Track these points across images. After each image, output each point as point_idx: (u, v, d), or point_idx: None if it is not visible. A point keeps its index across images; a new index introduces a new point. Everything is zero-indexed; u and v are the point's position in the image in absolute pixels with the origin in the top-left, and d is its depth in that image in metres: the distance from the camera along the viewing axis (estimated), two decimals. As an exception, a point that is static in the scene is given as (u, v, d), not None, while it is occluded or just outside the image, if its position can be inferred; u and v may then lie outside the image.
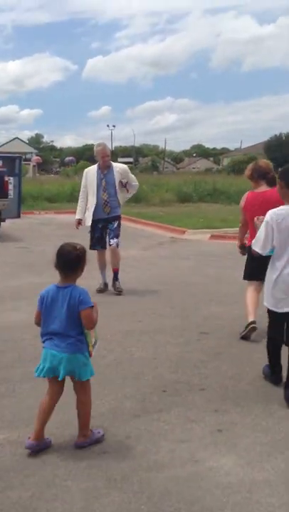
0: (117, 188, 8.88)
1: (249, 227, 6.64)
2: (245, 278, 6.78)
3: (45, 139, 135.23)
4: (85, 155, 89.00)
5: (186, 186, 30.86)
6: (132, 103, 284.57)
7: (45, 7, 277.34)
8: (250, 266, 6.55)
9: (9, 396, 4.73)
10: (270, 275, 4.92)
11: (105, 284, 8.91)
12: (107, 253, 8.98)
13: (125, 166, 9.37)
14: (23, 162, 23.63)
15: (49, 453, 3.76)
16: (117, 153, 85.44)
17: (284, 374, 5.01)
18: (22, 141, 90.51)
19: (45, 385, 4.89)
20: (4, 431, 4.08)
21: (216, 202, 28.17)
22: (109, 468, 3.56)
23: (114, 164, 9.14)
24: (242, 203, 6.78)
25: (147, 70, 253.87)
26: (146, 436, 4.03)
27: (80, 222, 9.11)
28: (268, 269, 4.98)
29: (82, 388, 3.89)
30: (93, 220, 8.89)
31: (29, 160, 54.55)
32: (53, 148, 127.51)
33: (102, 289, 8.75)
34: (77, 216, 9.15)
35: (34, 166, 51.14)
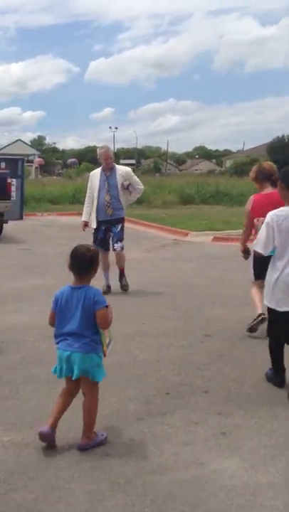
0: (119, 190, 8.94)
1: (254, 230, 6.65)
2: (255, 278, 6.79)
3: (48, 140, 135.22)
4: (87, 157, 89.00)
5: (188, 188, 30.91)
6: (135, 105, 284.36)
7: (48, 9, 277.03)
8: (258, 266, 6.55)
9: (13, 398, 4.73)
10: (271, 275, 5.00)
11: (108, 287, 8.94)
12: (113, 256, 9.04)
13: (128, 169, 9.43)
14: (25, 164, 23.62)
15: (52, 455, 3.76)
16: (119, 155, 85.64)
17: (288, 376, 5.03)
18: (24, 142, 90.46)
19: (48, 387, 4.92)
20: (8, 433, 4.07)
21: (219, 204, 28.22)
22: (113, 470, 3.56)
23: (118, 167, 9.23)
24: (248, 206, 6.78)
25: (150, 72, 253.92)
26: (149, 438, 4.03)
27: (86, 224, 9.27)
28: (269, 269, 5.07)
29: (90, 390, 3.91)
30: (98, 221, 9.01)
31: (31, 162, 54.48)
32: (55, 150, 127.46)
33: (106, 291, 8.76)
34: (83, 218, 9.32)
35: (36, 167, 51.06)
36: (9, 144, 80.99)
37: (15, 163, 18.79)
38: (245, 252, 6.93)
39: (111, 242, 9.01)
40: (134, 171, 9.88)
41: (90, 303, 3.80)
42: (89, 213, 9.22)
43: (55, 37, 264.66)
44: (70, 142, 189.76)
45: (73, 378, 3.84)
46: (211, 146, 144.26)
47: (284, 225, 4.85)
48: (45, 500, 3.24)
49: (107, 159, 9.00)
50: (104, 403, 4.16)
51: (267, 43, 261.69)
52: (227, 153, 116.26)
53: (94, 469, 3.57)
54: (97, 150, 9.36)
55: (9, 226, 16.50)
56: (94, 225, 9.11)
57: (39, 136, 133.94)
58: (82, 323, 3.80)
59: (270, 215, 4.95)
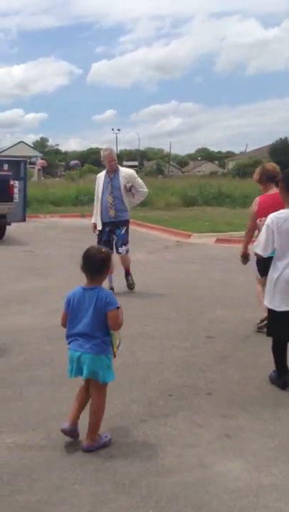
0: (122, 191, 8.99)
1: (257, 231, 6.67)
2: (261, 275, 6.81)
3: (50, 142, 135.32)
4: (89, 158, 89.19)
5: (191, 190, 30.89)
6: (137, 107, 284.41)
7: (49, 11, 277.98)
8: (262, 264, 6.57)
9: (16, 400, 4.74)
10: (272, 275, 5.09)
11: (111, 288, 8.93)
12: (117, 258, 9.05)
13: (132, 171, 9.53)
14: (28, 166, 23.67)
15: (56, 457, 3.77)
16: (121, 157, 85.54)
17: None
18: (27, 144, 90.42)
19: (51, 389, 4.93)
20: (12, 435, 4.08)
21: (222, 205, 28.20)
22: (117, 472, 3.56)
23: (121, 169, 9.32)
24: (254, 208, 6.81)
25: (152, 74, 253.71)
26: (153, 440, 4.03)
27: (95, 226, 9.35)
28: (270, 269, 5.14)
29: (98, 392, 3.94)
30: (102, 223, 9.12)
31: (34, 163, 54.51)
32: (57, 152, 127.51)
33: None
34: (93, 220, 9.45)
35: (39, 169, 51.11)
36: (12, 146, 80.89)
37: (17, 165, 18.82)
38: (244, 257, 6.96)
39: (115, 245, 9.04)
40: (136, 172, 9.92)
41: (102, 304, 3.83)
42: (97, 215, 9.33)
43: (57, 39, 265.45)
44: (72, 144, 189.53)
45: (82, 378, 3.88)
46: (214, 148, 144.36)
47: (284, 227, 4.95)
48: (49, 501, 3.24)
49: (111, 161, 9.12)
50: (108, 405, 4.16)
51: (269, 45, 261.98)
52: (230, 154, 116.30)
53: (98, 471, 3.58)
54: (101, 152, 9.48)
55: (12, 228, 16.52)
56: (99, 227, 9.22)
57: (41, 138, 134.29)
58: (93, 324, 3.83)
59: (271, 217, 5.04)
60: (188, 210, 26.30)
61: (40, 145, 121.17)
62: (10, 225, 16.21)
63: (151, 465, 3.66)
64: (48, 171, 75.64)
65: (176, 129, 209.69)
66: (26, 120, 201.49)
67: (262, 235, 5.10)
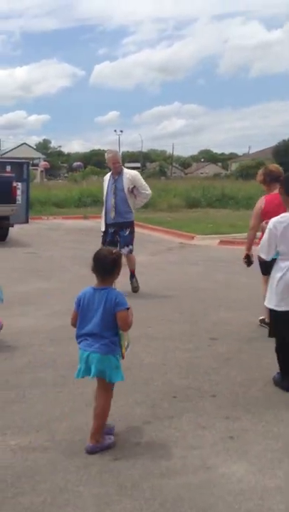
0: (126, 193, 9.08)
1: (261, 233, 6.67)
2: (264, 274, 6.83)
3: (53, 144, 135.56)
4: (92, 160, 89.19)
5: (194, 191, 30.88)
6: (140, 108, 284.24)
7: (52, 14, 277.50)
8: (264, 264, 6.58)
9: (19, 402, 4.73)
10: (275, 274, 5.12)
11: (115, 290, 8.99)
12: (123, 259, 9.08)
13: (136, 173, 9.63)
14: (30, 167, 23.65)
15: (60, 459, 3.76)
16: (124, 159, 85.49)
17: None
18: (30, 146, 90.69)
19: (55, 391, 4.93)
20: (15, 437, 4.07)
21: (225, 207, 28.18)
22: (121, 474, 3.55)
23: (126, 170, 9.41)
24: (260, 205, 6.84)
25: (155, 76, 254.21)
26: (157, 442, 4.02)
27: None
28: (273, 269, 5.18)
29: (105, 392, 3.96)
30: (106, 224, 9.24)
31: (37, 165, 54.53)
32: (60, 154, 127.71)
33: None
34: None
35: (42, 171, 51.05)
36: (14, 148, 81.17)
37: (20, 167, 18.81)
38: (248, 259, 6.95)
39: (119, 246, 9.06)
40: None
41: (111, 304, 3.86)
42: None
43: (60, 41, 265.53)
44: (75, 146, 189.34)
45: (90, 377, 3.91)
46: (217, 150, 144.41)
47: (286, 230, 4.99)
48: (53, 503, 3.23)
49: (115, 163, 9.24)
50: (111, 407, 4.15)
51: (271, 47, 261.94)
52: (233, 156, 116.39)
53: (102, 473, 3.57)
54: (105, 155, 9.59)
55: (15, 229, 16.52)
56: (102, 228, 9.34)
57: (44, 140, 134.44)
58: (102, 324, 3.86)
59: (273, 221, 5.10)
60: (192, 211, 26.29)
61: (43, 147, 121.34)
62: (13, 226, 16.20)
63: (155, 467, 3.65)
64: (50, 172, 75.62)
65: (179, 130, 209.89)
66: (29, 122, 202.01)
67: (265, 239, 5.16)
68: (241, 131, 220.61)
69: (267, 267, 5.73)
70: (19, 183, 17.31)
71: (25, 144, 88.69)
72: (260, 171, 7.15)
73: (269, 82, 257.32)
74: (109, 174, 9.49)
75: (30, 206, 20.22)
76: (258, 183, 7.44)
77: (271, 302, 5.12)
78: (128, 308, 3.90)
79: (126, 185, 9.11)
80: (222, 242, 15.97)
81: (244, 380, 5.30)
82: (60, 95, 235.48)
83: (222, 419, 4.41)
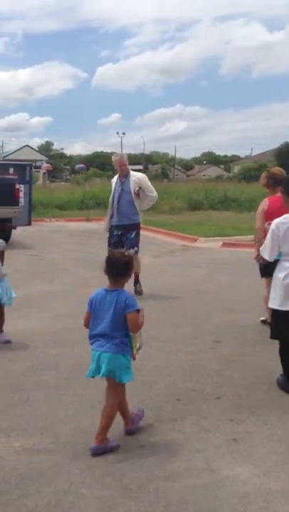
0: (133, 196, 9.19)
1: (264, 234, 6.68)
2: (262, 276, 6.85)
3: (55, 146, 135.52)
4: (95, 162, 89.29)
5: (196, 194, 30.87)
6: (142, 110, 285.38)
7: (55, 15, 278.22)
8: (265, 264, 6.58)
9: (23, 404, 4.73)
10: (278, 274, 5.14)
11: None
12: None
13: (143, 175, 9.81)
14: (33, 169, 23.67)
15: (64, 461, 3.76)
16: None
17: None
18: (32, 148, 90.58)
19: (58, 393, 4.92)
20: (19, 438, 4.08)
21: (227, 209, 28.16)
22: (125, 477, 3.55)
23: (132, 173, 9.53)
24: (264, 207, 6.85)
25: (157, 78, 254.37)
26: (161, 445, 4.02)
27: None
28: (276, 269, 5.20)
29: (114, 392, 3.99)
30: (112, 226, 9.37)
31: (39, 167, 54.50)
32: (62, 156, 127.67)
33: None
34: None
35: (44, 173, 51.04)
36: (17, 150, 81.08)
37: (23, 169, 18.83)
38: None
39: (125, 248, 9.10)
40: (143, 176, 9.98)
41: (122, 306, 3.92)
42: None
43: (62, 43, 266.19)
44: (77, 148, 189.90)
45: (100, 376, 3.94)
46: (219, 152, 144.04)
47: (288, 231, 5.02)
48: (57, 505, 3.23)
49: (122, 166, 9.36)
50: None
51: (273, 48, 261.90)
52: (235, 158, 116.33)
53: (106, 475, 3.57)
54: (112, 158, 9.74)
55: (17, 232, 16.54)
56: (104, 228, 9.55)
57: (47, 142, 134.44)
58: (112, 325, 3.91)
59: (275, 222, 5.13)
60: (194, 214, 26.29)
61: (46, 149, 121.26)
62: (15, 228, 16.21)
63: (159, 469, 3.65)
64: (53, 174, 75.66)
65: (181, 132, 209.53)
66: (31, 124, 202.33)
67: (267, 240, 5.19)
68: (243, 133, 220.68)
69: (266, 270, 5.75)
70: (22, 185, 17.32)
71: (27, 146, 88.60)
72: (264, 175, 7.16)
73: (271, 83, 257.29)
74: (116, 177, 9.60)
75: (32, 208, 20.25)
76: (261, 186, 7.45)
77: (275, 302, 5.12)
78: (138, 310, 3.95)
79: (132, 187, 9.21)
80: (225, 245, 15.95)
81: (248, 383, 5.29)
82: (63, 97, 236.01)
83: (226, 422, 4.41)
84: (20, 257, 13.64)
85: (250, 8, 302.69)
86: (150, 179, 10.00)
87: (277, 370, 5.24)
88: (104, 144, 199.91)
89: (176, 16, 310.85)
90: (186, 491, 3.39)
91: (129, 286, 8.99)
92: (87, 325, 4.10)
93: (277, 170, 7.19)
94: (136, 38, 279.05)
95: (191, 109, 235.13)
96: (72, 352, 6.09)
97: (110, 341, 3.90)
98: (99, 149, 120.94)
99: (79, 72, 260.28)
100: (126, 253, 4.23)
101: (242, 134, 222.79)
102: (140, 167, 79.69)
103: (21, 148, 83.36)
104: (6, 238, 15.95)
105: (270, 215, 6.61)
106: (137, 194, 9.20)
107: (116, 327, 3.91)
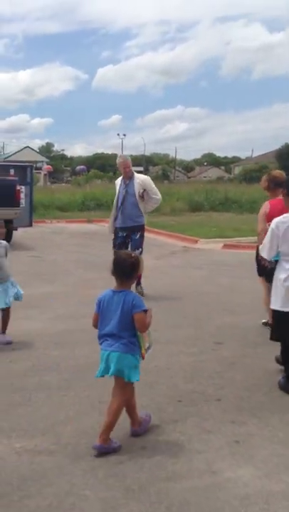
0: (137, 197, 9.26)
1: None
2: (260, 275, 6.86)
3: (56, 147, 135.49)
4: (95, 163, 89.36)
5: (197, 195, 30.86)
6: (142, 112, 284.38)
7: (55, 17, 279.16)
8: (262, 264, 6.60)
9: (25, 405, 4.73)
10: (279, 275, 5.16)
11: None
12: None
13: (147, 178, 9.89)
14: (34, 171, 23.67)
15: (66, 462, 3.76)
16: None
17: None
18: (33, 149, 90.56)
19: (60, 394, 4.93)
20: (21, 439, 4.08)
21: (228, 211, 28.18)
22: (127, 478, 3.55)
23: (136, 175, 9.60)
24: (265, 210, 6.85)
25: (157, 79, 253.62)
26: (162, 446, 4.02)
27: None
28: (276, 270, 5.23)
29: (121, 391, 4.02)
30: (116, 227, 9.44)
31: (40, 169, 54.72)
32: (63, 157, 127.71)
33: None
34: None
35: (45, 174, 51.28)
36: (18, 151, 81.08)
37: (24, 170, 18.82)
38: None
39: (129, 249, 9.13)
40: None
41: (129, 306, 3.96)
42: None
43: (63, 44, 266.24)
44: (78, 149, 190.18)
45: (108, 375, 3.97)
46: (220, 153, 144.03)
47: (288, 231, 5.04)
48: (59, 506, 3.24)
49: (126, 168, 9.44)
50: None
51: (274, 49, 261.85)
52: (236, 160, 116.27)
53: (108, 476, 3.57)
54: (117, 160, 9.81)
55: (19, 233, 16.53)
56: (109, 230, 9.62)
57: (47, 143, 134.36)
58: (120, 325, 3.95)
59: (275, 221, 5.16)
60: (195, 215, 26.28)
61: (46, 150, 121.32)
62: (16, 230, 16.20)
63: (161, 471, 3.65)
64: (53, 176, 75.78)
65: (181, 134, 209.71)
66: (32, 125, 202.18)
67: (267, 239, 5.22)
68: (244, 134, 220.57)
69: (264, 269, 5.83)
70: (23, 187, 17.32)
71: (28, 147, 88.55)
72: (264, 177, 7.17)
73: (271, 84, 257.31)
74: (120, 178, 9.64)
75: (33, 210, 20.25)
76: (261, 188, 7.45)
77: (277, 303, 5.13)
78: (146, 311, 4.00)
79: (137, 189, 9.27)
80: (226, 246, 15.96)
81: (249, 385, 5.29)
82: (63, 99, 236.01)
83: (227, 424, 4.41)
84: (21, 258, 13.64)
85: (250, 9, 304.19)
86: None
87: (279, 371, 5.26)
88: (104, 145, 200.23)
89: (177, 16, 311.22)
90: (187, 492, 3.39)
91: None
92: (95, 325, 4.13)
93: (278, 173, 7.19)
94: (136, 39, 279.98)
95: (191, 111, 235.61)
96: (73, 353, 6.10)
97: (118, 341, 3.94)
98: (99, 151, 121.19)
99: (79, 74, 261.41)
100: (132, 254, 4.27)
101: (242, 135, 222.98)
102: (141, 168, 79.74)
103: (22, 149, 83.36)
104: (7, 239, 16.00)
105: (271, 218, 6.61)
106: (142, 196, 9.25)
107: (123, 327, 3.95)
